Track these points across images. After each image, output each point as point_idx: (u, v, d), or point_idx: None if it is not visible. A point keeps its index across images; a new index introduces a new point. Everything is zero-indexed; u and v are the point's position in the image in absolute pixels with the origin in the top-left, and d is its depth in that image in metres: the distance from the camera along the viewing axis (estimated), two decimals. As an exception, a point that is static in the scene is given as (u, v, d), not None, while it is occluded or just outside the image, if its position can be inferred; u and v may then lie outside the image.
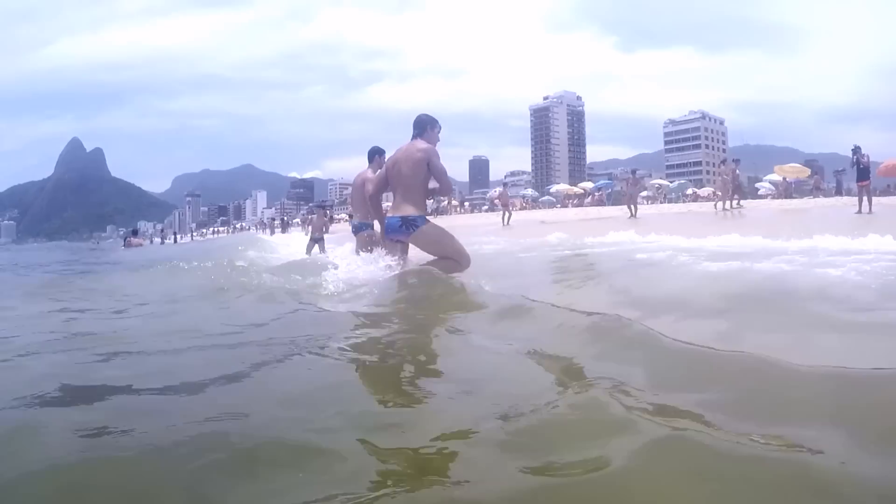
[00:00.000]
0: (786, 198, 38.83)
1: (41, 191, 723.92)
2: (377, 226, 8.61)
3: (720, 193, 28.58)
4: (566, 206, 53.33)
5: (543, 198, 70.85)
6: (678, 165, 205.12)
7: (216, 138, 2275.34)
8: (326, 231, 17.85)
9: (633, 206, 29.01)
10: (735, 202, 26.67)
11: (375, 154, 10.00)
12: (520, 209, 52.32)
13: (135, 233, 35.03)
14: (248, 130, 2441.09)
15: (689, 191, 64.03)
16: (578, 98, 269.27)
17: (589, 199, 54.46)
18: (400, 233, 6.57)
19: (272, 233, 58.04)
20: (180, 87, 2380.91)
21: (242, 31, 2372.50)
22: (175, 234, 58.42)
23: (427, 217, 6.71)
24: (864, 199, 20.83)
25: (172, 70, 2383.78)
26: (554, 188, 73.38)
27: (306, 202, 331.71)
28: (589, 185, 66.83)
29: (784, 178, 46.54)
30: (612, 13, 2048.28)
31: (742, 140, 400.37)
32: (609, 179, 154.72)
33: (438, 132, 7.10)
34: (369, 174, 9.46)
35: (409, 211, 6.54)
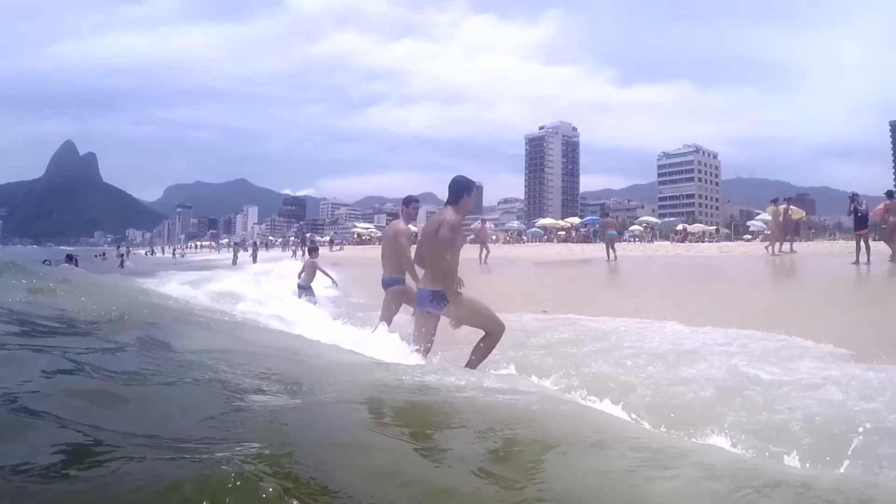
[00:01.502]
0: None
1: (31, 191, 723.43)
2: (408, 279, 8.40)
3: (771, 234, 26.66)
4: (551, 241, 51.39)
5: (531, 230, 68.95)
6: (671, 198, 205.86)
7: (211, 151, 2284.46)
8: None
9: (611, 249, 26.30)
10: (781, 245, 24.95)
11: (409, 203, 9.52)
12: (503, 243, 50.49)
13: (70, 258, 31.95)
14: (244, 145, 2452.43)
15: (680, 226, 62.17)
16: (574, 129, 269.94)
17: (575, 234, 52.64)
18: (431, 306, 6.34)
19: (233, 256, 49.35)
20: (179, 97, 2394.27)
21: (245, 46, 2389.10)
22: (151, 248, 54.74)
23: (458, 291, 6.37)
24: (863, 248, 19.14)
25: (172, 79, 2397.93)
26: (540, 222, 71.75)
27: (297, 220, 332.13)
28: (576, 220, 64.88)
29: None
30: (610, 47, 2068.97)
31: (735, 173, 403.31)
32: (598, 213, 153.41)
33: (475, 197, 6.71)
34: (401, 226, 9.03)
35: (439, 285, 6.30)
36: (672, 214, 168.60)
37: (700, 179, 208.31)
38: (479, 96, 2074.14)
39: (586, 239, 46.94)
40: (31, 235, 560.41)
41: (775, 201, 25.68)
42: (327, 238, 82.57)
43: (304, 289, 14.87)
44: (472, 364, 6.27)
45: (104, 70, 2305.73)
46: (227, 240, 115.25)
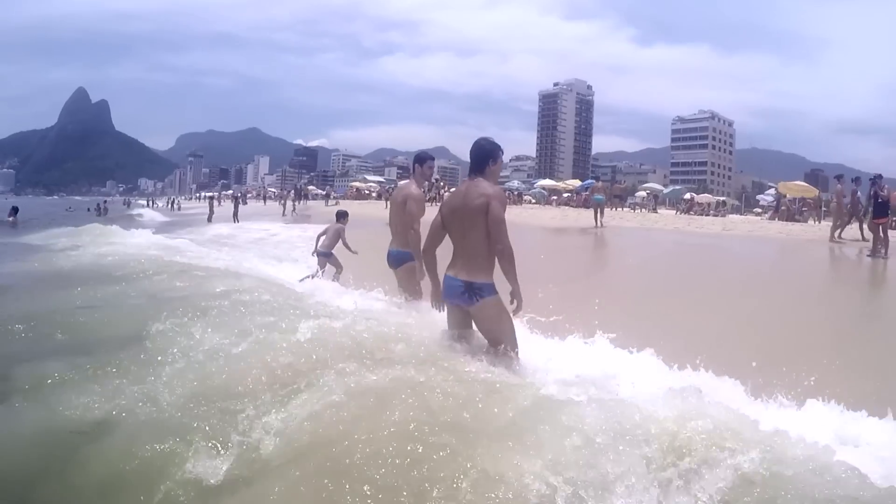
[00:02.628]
0: (787, 219, 34.44)
1: (43, 140, 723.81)
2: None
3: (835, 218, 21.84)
4: (549, 204, 49.59)
5: (533, 190, 66.93)
6: (683, 164, 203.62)
7: (224, 99, 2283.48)
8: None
9: (600, 215, 27.21)
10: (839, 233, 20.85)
11: (423, 161, 7.73)
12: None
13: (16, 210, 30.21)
14: (258, 93, 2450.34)
15: (687, 195, 60.06)
16: (589, 87, 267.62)
17: (575, 198, 50.67)
18: (461, 299, 5.36)
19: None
20: (192, 43, 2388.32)
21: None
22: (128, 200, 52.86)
23: (494, 286, 5.32)
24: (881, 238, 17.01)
25: (185, 24, 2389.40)
26: (540, 182, 69.91)
27: (308, 171, 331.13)
28: (576, 182, 62.40)
29: (785, 196, 42.08)
30: (632, 4, 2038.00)
31: (750, 143, 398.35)
32: (609, 176, 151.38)
33: (502, 162, 5.69)
34: (413, 189, 7.55)
35: (476, 276, 5.27)
36: (684, 181, 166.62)
37: (714, 147, 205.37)
38: (496, 49, 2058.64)
39: (586, 203, 44.92)
40: (43, 185, 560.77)
41: (840, 177, 21.76)
42: (323, 192, 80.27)
43: (325, 256, 12.42)
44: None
45: (116, 15, 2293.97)
46: (230, 191, 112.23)
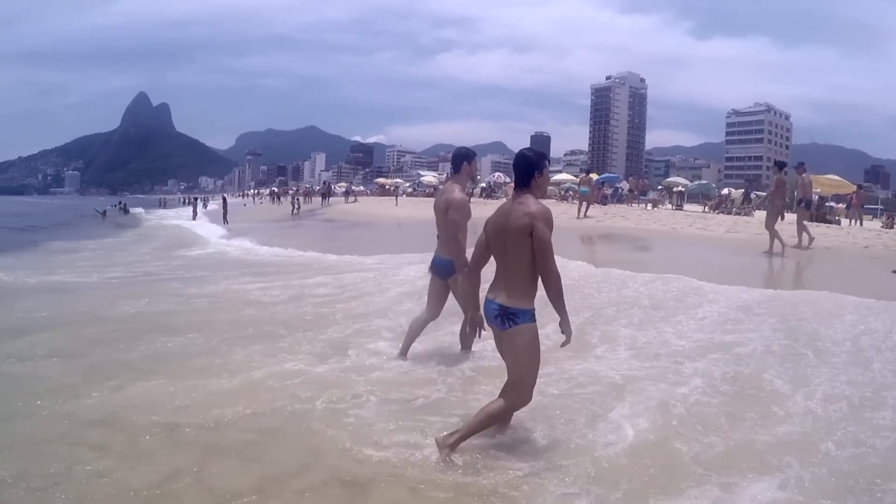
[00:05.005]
0: (816, 219, 30.61)
1: (106, 143, 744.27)
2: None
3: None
4: (565, 199, 46.58)
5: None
6: (738, 158, 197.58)
7: (282, 98, 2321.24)
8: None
9: (584, 207, 28.82)
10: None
11: (463, 160, 6.98)
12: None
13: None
14: (315, 92, 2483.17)
15: (725, 191, 56.29)
16: (642, 80, 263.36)
17: (595, 195, 47.60)
18: (495, 322, 4.97)
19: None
20: (249, 46, 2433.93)
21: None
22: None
23: (534, 314, 4.89)
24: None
25: (242, 29, 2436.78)
26: (555, 178, 66.74)
27: (364, 167, 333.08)
28: (594, 176, 58.92)
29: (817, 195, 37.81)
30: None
31: (809, 138, 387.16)
32: (663, 170, 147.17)
33: (548, 172, 5.18)
34: (455, 194, 6.83)
35: (514, 301, 4.85)
36: (738, 176, 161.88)
37: (769, 141, 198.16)
38: (553, 44, 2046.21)
39: (603, 199, 42.02)
40: (107, 185, 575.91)
41: (781, 166, 18.85)
42: (342, 188, 79.83)
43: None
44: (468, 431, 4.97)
45: (175, 22, 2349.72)
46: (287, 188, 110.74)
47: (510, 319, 4.88)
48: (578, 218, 27.66)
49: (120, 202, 66.32)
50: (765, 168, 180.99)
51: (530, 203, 4.86)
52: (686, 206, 44.35)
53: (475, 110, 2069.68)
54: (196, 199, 56.11)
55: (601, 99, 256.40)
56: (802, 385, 6.27)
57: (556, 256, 4.67)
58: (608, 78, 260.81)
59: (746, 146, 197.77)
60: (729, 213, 36.05)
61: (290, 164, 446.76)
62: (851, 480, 4.46)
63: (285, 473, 4.54)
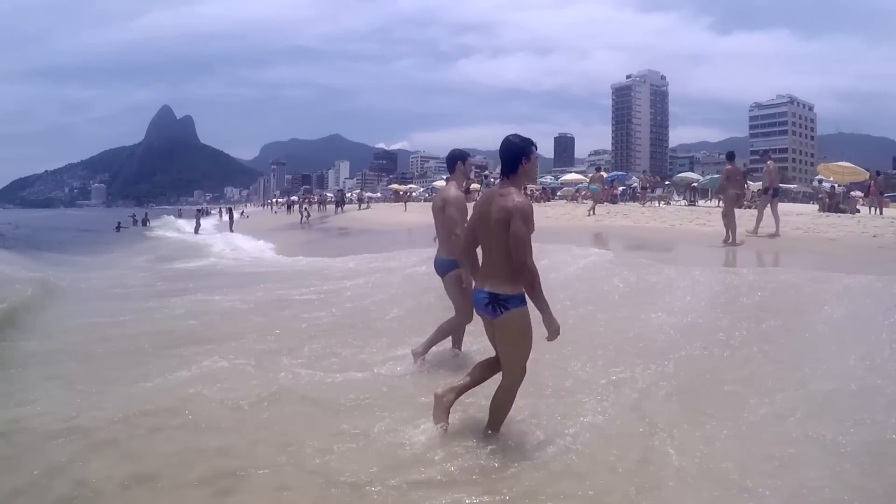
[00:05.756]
0: (828, 209, 29.50)
1: (132, 155, 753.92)
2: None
3: None
4: (575, 199, 45.50)
5: (550, 184, 62.56)
6: (763, 152, 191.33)
7: (305, 108, 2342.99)
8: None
9: (594, 206, 28.99)
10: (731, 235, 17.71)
11: (456, 160, 7.05)
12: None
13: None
14: (338, 101, 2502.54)
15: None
16: (662, 77, 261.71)
17: (604, 192, 46.53)
18: (486, 311, 4.92)
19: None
20: (271, 58, 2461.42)
21: (334, 4, 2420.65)
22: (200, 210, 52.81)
23: (524, 298, 4.79)
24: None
25: (264, 41, 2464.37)
26: (566, 177, 65.75)
27: (388, 173, 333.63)
28: (603, 175, 57.78)
29: (828, 182, 36.48)
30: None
31: (836, 128, 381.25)
32: (687, 166, 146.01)
33: (536, 158, 5.00)
34: (452, 192, 6.85)
35: (502, 287, 4.79)
36: (763, 170, 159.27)
37: (794, 133, 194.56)
38: (573, 46, 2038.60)
39: (612, 199, 41.01)
40: (133, 197, 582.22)
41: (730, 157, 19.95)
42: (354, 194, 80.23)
43: None
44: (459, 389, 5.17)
45: (197, 36, 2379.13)
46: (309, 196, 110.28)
47: (501, 306, 4.79)
48: (589, 215, 27.93)
49: (133, 215, 66.90)
50: (790, 160, 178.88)
51: (512, 196, 4.75)
52: (703, 202, 43.14)
53: (498, 114, 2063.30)
54: (199, 210, 56.06)
55: (622, 98, 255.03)
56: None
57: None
58: (628, 77, 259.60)
59: (771, 139, 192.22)
60: (739, 207, 34.78)
61: (315, 173, 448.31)
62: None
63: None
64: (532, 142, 4.94)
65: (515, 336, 4.86)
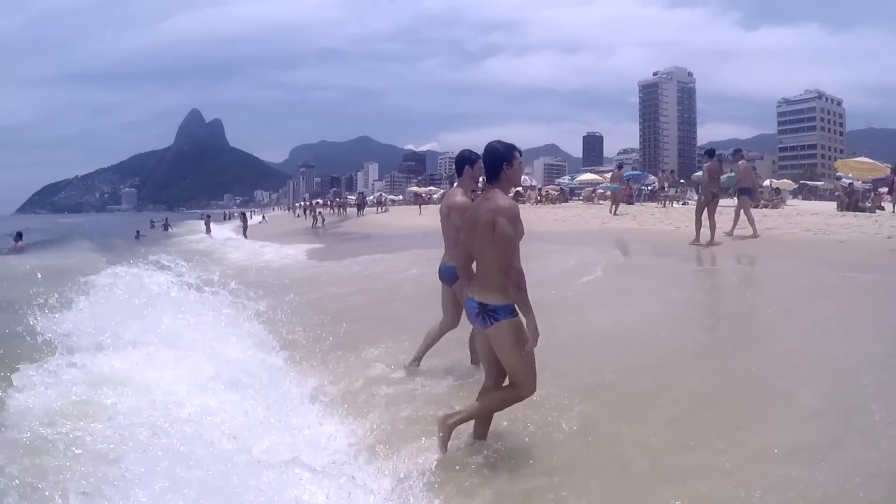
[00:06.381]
0: (847, 208, 28.21)
1: (161, 160, 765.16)
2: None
3: None
4: (591, 200, 44.51)
5: (568, 184, 61.32)
6: (791, 148, 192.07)
7: (334, 110, 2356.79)
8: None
9: (615, 204, 28.69)
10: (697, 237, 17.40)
11: (465, 164, 6.58)
12: (535, 203, 44.11)
13: (20, 235, 29.09)
14: (366, 103, 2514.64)
15: (766, 182, 53.50)
16: (689, 74, 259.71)
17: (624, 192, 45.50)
18: (476, 321, 4.92)
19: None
20: (298, 60, 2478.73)
21: (360, 5, 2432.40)
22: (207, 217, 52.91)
23: (514, 309, 4.76)
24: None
25: (291, 43, 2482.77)
26: (580, 178, 64.63)
27: (417, 175, 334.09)
28: (622, 174, 56.62)
29: (848, 179, 34.86)
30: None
31: (865, 123, 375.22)
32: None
33: (520, 165, 5.03)
34: (457, 199, 6.54)
35: (491, 297, 4.79)
36: (793, 166, 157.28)
37: (822, 129, 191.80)
38: (599, 43, 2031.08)
39: (629, 198, 39.94)
40: (163, 201, 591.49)
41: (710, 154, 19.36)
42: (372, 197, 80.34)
43: None
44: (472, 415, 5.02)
45: (224, 39, 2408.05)
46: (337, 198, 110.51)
47: (490, 316, 4.77)
48: (612, 214, 27.84)
49: (152, 220, 67.26)
50: (819, 157, 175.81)
51: (497, 198, 4.78)
52: (722, 201, 41.78)
53: (526, 113, 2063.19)
54: (209, 215, 56.23)
55: (649, 95, 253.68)
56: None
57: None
58: (655, 74, 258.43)
59: (799, 135, 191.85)
60: (755, 206, 33.35)
61: (344, 175, 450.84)
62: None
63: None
64: (515, 147, 4.98)
65: (511, 347, 4.76)
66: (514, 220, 4.69)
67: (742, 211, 17.70)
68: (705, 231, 16.89)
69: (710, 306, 10.57)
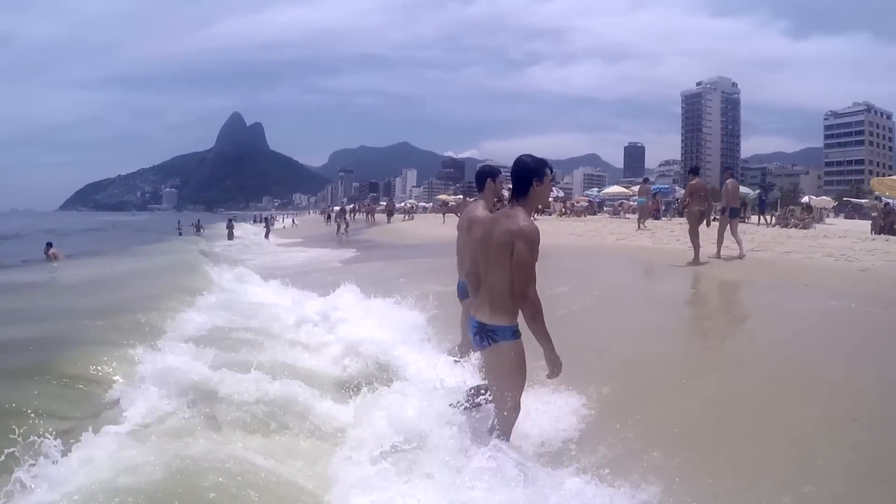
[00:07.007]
0: (882, 231, 26.59)
1: (202, 161, 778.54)
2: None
3: None
4: (617, 214, 43.29)
5: (594, 196, 60.10)
6: (837, 163, 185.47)
7: (374, 116, 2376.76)
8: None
9: (643, 219, 28.17)
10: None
11: (486, 177, 6.66)
12: (559, 215, 43.13)
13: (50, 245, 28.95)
14: (407, 109, 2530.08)
15: (805, 199, 51.80)
16: (734, 84, 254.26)
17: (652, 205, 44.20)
18: (473, 340, 4.80)
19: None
20: (340, 66, 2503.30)
21: (402, 12, 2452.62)
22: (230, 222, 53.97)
23: (516, 330, 4.58)
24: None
25: (333, 49, 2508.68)
26: (607, 190, 63.31)
27: (455, 182, 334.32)
28: (649, 188, 55.17)
29: (884, 199, 32.81)
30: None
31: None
32: (759, 178, 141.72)
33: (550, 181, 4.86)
34: (479, 212, 6.34)
35: (493, 317, 4.57)
36: (839, 182, 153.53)
37: (871, 143, 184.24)
38: (644, 52, 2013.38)
39: (655, 213, 38.59)
40: (203, 202, 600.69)
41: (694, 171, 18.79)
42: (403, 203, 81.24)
43: None
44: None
45: (267, 45, 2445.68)
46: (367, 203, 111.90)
47: (488, 337, 4.57)
48: (638, 229, 27.10)
49: (179, 222, 68.09)
50: (867, 173, 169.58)
51: (518, 218, 4.54)
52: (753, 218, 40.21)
53: (568, 122, 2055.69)
54: (231, 219, 56.93)
55: (692, 106, 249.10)
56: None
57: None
58: (699, 84, 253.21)
59: (846, 150, 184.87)
60: (785, 226, 31.79)
61: (382, 181, 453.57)
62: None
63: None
64: (546, 163, 4.78)
65: (502, 372, 4.57)
66: (534, 245, 4.47)
67: (728, 231, 16.79)
68: (709, 249, 16.32)
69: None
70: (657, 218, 36.27)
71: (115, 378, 6.49)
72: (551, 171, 4.82)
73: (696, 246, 15.68)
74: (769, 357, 7.56)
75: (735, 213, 17.44)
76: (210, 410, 5.40)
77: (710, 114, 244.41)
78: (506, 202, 4.98)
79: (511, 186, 4.80)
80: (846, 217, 56.80)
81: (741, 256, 16.16)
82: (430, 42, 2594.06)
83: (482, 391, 5.14)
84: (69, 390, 6.24)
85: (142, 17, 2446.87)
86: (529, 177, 4.62)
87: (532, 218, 4.57)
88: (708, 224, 16.44)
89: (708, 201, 16.51)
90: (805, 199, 52.73)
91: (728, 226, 16.77)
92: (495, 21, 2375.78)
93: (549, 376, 4.60)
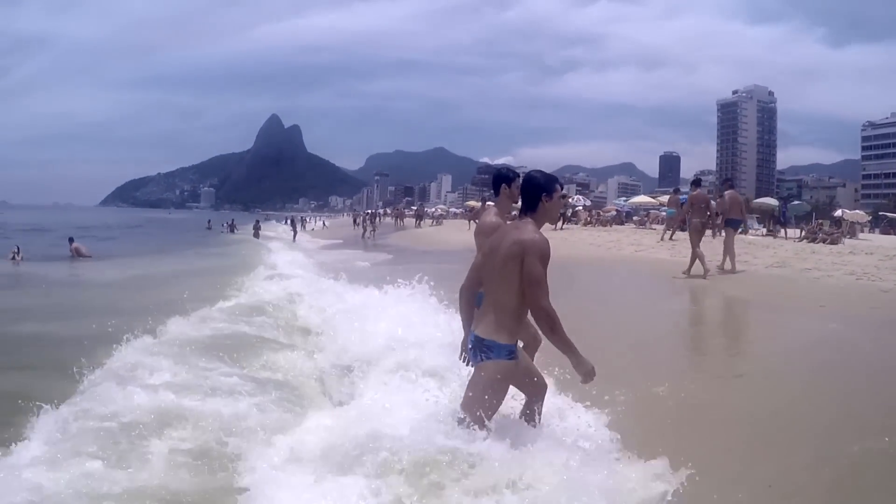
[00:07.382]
0: None
1: (240, 162, 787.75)
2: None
3: None
4: (643, 224, 42.75)
5: (623, 206, 59.14)
6: (874, 176, 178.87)
7: (411, 121, 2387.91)
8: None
9: (671, 230, 27.77)
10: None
11: (501, 182, 5.97)
12: (584, 224, 42.65)
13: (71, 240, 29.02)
14: (443, 114, 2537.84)
15: (838, 212, 50.96)
16: (770, 93, 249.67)
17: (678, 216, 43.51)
18: (469, 354, 4.66)
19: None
20: (378, 70, 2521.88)
21: (440, 17, 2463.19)
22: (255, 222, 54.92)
23: (512, 351, 4.48)
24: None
25: (372, 54, 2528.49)
26: (633, 199, 62.66)
27: (490, 188, 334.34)
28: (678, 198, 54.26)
29: None
30: (821, 2, 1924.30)
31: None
32: (795, 189, 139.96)
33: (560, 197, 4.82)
34: (491, 217, 5.88)
35: (491, 332, 4.44)
36: (876, 195, 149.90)
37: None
38: (680, 59, 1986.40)
39: (682, 224, 37.93)
40: (240, 202, 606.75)
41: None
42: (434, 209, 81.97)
43: None
44: None
45: (305, 48, 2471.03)
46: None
47: (483, 352, 4.44)
48: (661, 241, 26.92)
49: (209, 221, 69.07)
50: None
51: (528, 230, 4.47)
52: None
53: (603, 130, 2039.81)
54: (258, 220, 58.12)
55: (728, 115, 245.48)
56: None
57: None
58: (734, 92, 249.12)
59: (884, 162, 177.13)
60: (812, 241, 30.96)
61: (418, 185, 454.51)
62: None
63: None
64: (556, 179, 4.76)
65: (483, 388, 4.41)
66: (545, 258, 4.39)
67: (724, 243, 16.68)
68: (716, 260, 16.27)
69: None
70: (684, 230, 35.74)
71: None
72: (561, 188, 4.78)
73: (701, 256, 15.61)
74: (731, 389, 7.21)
75: (735, 224, 17.26)
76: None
77: (746, 123, 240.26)
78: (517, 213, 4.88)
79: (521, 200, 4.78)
80: (882, 232, 55.50)
81: (732, 270, 16.05)
82: (466, 48, 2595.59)
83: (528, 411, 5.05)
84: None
85: (184, 20, 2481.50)
86: (538, 192, 4.58)
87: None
88: (714, 235, 16.74)
89: (710, 213, 16.49)
90: (838, 212, 51.78)
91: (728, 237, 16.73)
92: (532, 27, 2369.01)
93: (582, 382, 4.51)
